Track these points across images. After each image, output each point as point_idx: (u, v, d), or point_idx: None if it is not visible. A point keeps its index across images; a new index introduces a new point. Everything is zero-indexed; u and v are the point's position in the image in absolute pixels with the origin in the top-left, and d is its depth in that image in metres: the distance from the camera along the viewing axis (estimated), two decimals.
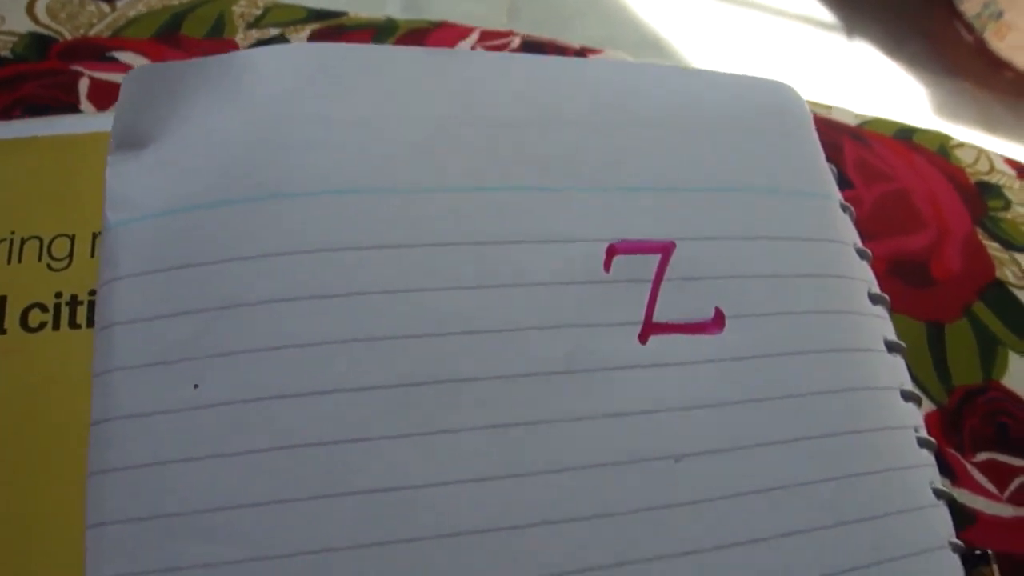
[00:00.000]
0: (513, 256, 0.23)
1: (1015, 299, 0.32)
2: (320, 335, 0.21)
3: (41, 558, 0.21)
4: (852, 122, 0.35)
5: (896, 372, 0.25)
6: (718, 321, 0.23)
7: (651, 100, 0.26)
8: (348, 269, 0.22)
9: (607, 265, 0.23)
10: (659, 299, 0.23)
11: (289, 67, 0.23)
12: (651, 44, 1.06)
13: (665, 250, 0.24)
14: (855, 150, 0.34)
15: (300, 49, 0.24)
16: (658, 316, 0.23)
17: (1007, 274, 0.33)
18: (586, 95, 0.25)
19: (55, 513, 0.21)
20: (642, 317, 0.23)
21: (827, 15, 1.16)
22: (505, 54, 0.27)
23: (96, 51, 0.30)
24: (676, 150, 0.25)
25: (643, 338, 0.23)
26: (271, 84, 0.23)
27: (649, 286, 0.23)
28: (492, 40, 0.33)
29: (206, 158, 0.22)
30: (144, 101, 0.23)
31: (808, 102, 0.28)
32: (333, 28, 0.32)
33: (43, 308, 0.23)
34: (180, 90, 0.23)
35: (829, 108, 0.36)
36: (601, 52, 0.34)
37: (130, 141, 0.23)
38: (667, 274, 0.24)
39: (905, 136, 0.35)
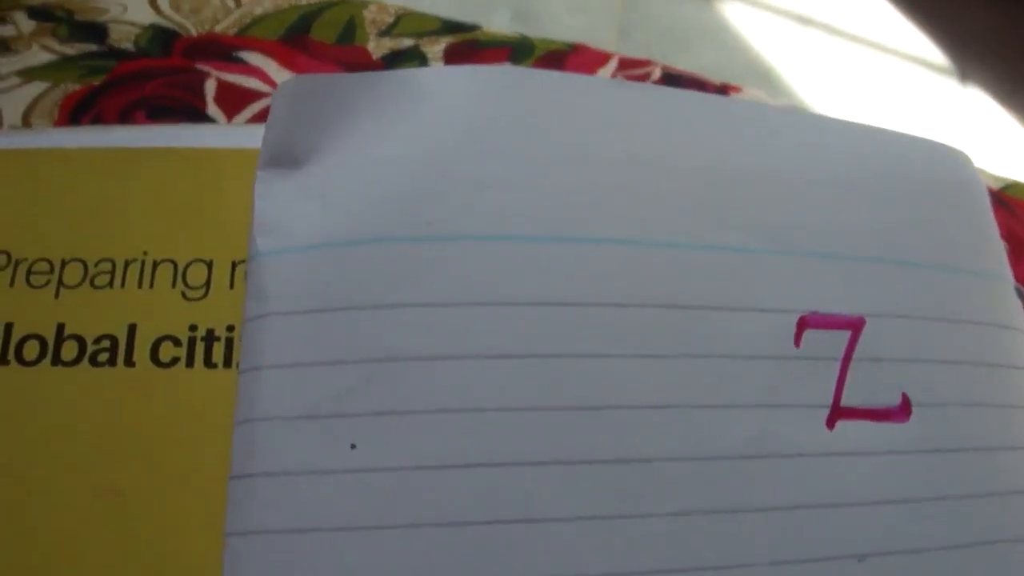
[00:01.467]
0: (701, 323, 0.20)
1: None
2: (491, 400, 0.19)
3: None
4: (995, 185, 0.33)
5: None
6: (904, 409, 0.21)
7: (838, 159, 0.24)
8: (524, 327, 0.19)
9: (797, 340, 0.21)
10: (846, 381, 0.21)
11: (469, 92, 0.21)
12: (761, 74, 1.03)
13: (855, 327, 0.22)
14: (1003, 219, 0.32)
15: (482, 73, 0.22)
16: (845, 400, 0.21)
17: None
18: (776, 148, 0.23)
19: (183, 568, 0.19)
20: (831, 400, 0.21)
21: (940, 57, 1.13)
22: (692, 93, 0.25)
23: (222, 50, 0.27)
24: (865, 216, 0.23)
25: (831, 423, 0.21)
26: (448, 110, 0.21)
27: (837, 365, 0.21)
28: (631, 69, 0.31)
29: (370, 186, 0.20)
30: (301, 115, 0.21)
31: None
32: (468, 43, 0.30)
33: (176, 342, 0.20)
34: (343, 106, 0.21)
35: None
36: (740, 90, 0.32)
37: (283, 159, 0.21)
38: (855, 353, 0.22)
39: None
